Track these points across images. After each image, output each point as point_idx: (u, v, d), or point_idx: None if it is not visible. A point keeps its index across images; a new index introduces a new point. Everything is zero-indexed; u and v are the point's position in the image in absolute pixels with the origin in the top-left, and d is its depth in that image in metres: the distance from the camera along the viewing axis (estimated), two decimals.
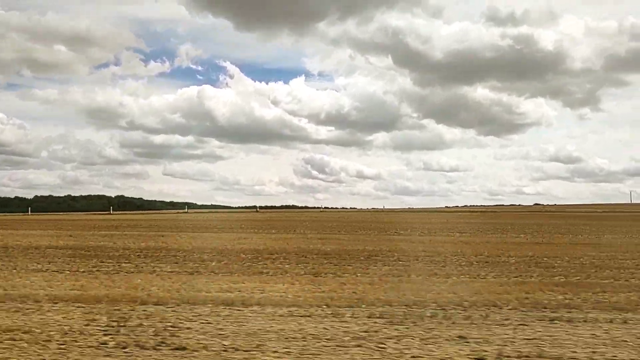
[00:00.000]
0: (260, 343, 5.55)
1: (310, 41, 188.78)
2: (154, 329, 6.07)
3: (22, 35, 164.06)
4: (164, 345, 5.45)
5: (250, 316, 6.84)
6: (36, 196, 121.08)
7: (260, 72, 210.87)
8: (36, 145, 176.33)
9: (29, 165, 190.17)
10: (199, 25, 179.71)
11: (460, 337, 5.84)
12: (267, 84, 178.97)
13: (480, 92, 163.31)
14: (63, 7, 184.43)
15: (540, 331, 6.17)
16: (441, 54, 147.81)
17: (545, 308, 7.46)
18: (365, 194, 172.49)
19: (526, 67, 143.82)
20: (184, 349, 5.35)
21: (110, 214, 56.35)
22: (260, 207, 77.09)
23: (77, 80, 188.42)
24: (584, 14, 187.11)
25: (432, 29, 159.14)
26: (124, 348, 5.36)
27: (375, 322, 6.52)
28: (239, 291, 8.57)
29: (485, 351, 5.34)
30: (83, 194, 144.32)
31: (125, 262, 12.19)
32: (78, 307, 7.27)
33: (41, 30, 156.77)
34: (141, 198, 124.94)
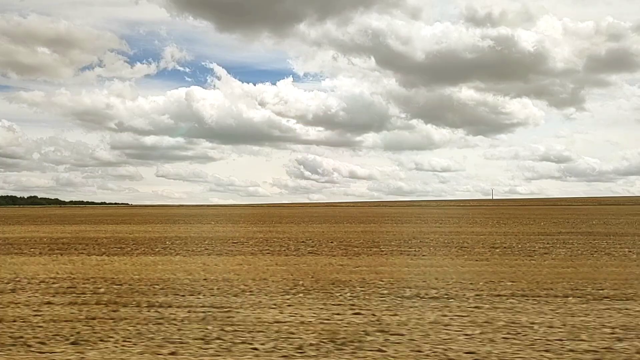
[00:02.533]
0: None
1: (292, 42, 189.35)
2: None
3: (3, 37, 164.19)
4: None
5: None
6: None
7: (247, 74, 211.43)
8: (27, 148, 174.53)
9: (22, 167, 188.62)
10: (180, 26, 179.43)
11: None
12: (254, 85, 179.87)
13: (465, 93, 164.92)
14: (44, 10, 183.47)
15: None
16: (423, 54, 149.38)
17: None
18: (360, 195, 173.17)
19: (508, 68, 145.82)
20: None
21: None
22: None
23: (63, 82, 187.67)
24: (561, 14, 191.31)
25: (412, 30, 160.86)
26: None
27: None
28: None
29: None
30: (74, 198, 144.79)
31: None
32: None
33: (23, 33, 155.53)
34: (46, 198, 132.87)
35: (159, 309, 5.98)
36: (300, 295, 6.85)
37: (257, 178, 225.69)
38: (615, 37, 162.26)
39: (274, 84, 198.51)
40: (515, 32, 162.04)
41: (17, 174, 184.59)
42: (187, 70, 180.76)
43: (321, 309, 6.01)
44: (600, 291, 7.10)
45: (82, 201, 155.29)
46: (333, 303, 6.34)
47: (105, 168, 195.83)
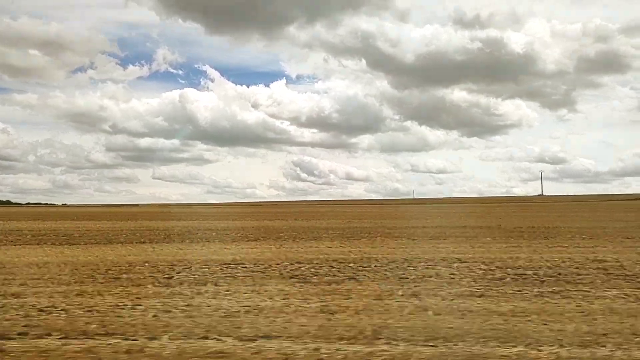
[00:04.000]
0: None
1: (283, 45, 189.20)
2: None
3: None
4: None
5: None
6: None
7: (240, 76, 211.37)
8: (23, 150, 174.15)
9: (18, 170, 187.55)
10: (171, 29, 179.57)
11: None
12: (248, 87, 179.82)
13: (458, 95, 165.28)
14: (35, 12, 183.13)
15: None
16: (413, 56, 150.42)
17: None
18: (357, 197, 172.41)
19: (499, 69, 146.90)
20: None
21: None
22: None
23: (56, 85, 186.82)
24: (549, 16, 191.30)
25: (401, 33, 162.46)
26: None
27: None
28: None
29: None
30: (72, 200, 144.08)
31: None
32: None
33: (14, 35, 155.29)
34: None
35: None
36: None
37: (254, 180, 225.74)
38: (603, 39, 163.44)
39: (267, 86, 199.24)
40: (505, 34, 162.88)
41: (13, 177, 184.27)
42: (180, 72, 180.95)
43: None
44: None
45: (41, 203, 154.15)
46: None
47: (101, 170, 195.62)
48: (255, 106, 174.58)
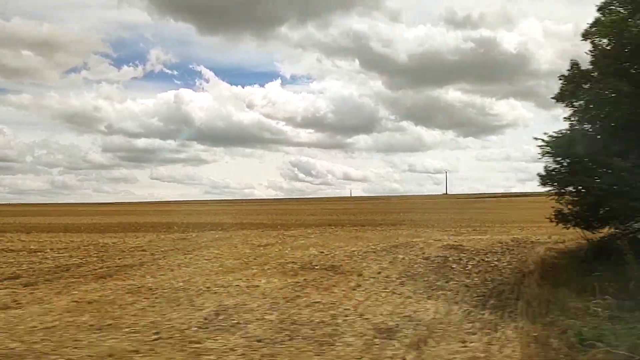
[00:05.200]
0: None
1: (275, 45, 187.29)
2: None
3: None
4: None
5: None
6: None
7: (235, 76, 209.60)
8: (20, 150, 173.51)
9: (16, 171, 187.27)
10: (163, 30, 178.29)
11: None
12: (243, 87, 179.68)
13: (452, 94, 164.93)
14: (28, 13, 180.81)
15: None
16: (406, 57, 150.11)
17: None
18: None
19: (493, 69, 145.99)
20: None
21: None
22: None
23: (50, 85, 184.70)
24: (541, 16, 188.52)
25: (394, 33, 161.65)
26: None
27: None
28: None
29: None
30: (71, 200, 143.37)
31: None
32: None
33: (7, 36, 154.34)
34: None
35: None
36: None
37: (252, 180, 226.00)
38: None
39: (262, 86, 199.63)
40: (497, 34, 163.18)
41: (11, 177, 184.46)
42: (175, 72, 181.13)
43: None
44: None
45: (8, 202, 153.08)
46: None
47: (99, 171, 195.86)
48: (250, 106, 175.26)
